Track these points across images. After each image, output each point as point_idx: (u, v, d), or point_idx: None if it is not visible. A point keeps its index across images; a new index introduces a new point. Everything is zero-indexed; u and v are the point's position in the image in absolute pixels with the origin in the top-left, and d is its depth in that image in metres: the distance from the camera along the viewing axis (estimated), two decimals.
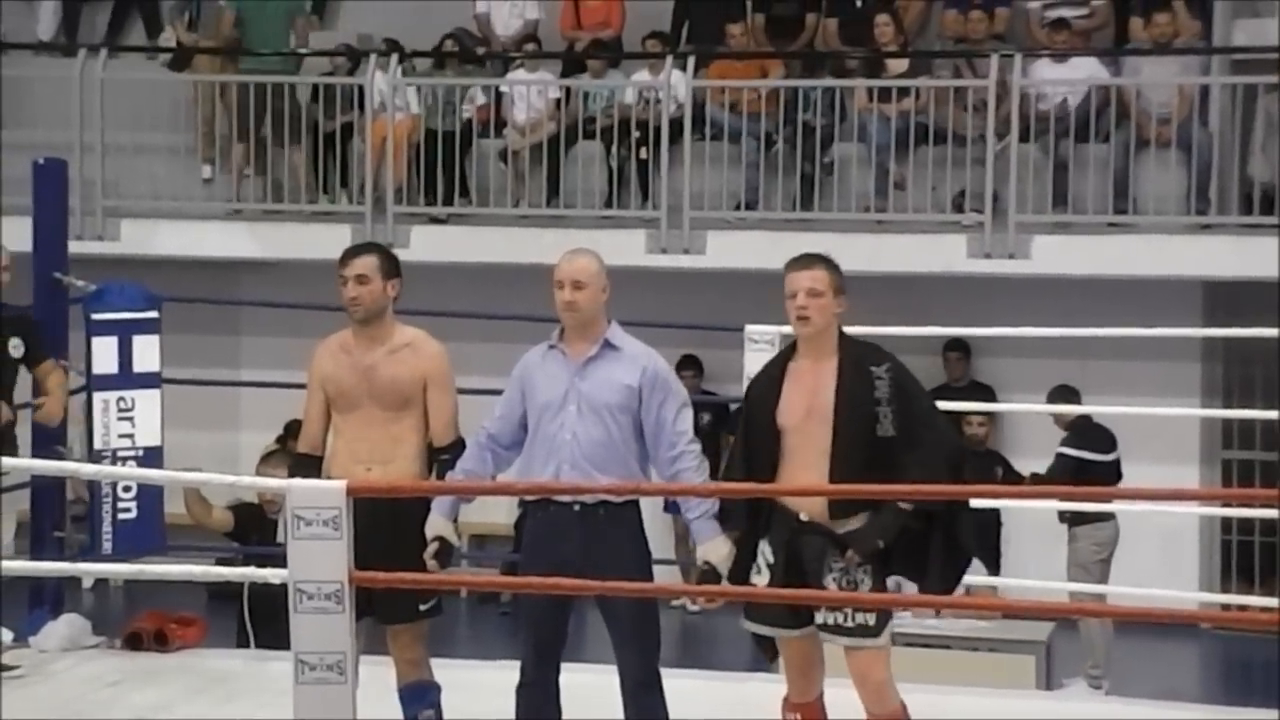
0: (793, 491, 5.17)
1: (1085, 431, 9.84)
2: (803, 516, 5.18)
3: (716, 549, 5.31)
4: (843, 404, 5.15)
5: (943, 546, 5.20)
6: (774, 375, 5.32)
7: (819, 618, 5.19)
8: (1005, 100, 11.02)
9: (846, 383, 5.17)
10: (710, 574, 5.30)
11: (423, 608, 5.63)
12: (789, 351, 5.36)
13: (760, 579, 5.26)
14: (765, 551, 5.26)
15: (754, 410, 5.33)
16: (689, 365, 11.92)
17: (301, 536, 4.66)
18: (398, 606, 5.56)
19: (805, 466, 5.16)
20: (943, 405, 9.37)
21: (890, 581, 5.44)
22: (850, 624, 5.14)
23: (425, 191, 11.78)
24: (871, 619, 5.14)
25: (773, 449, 5.21)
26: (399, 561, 5.26)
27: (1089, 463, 9.73)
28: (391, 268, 5.70)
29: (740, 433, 5.40)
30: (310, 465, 5.72)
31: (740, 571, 5.29)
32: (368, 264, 5.66)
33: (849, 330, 5.35)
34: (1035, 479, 10.14)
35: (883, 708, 5.20)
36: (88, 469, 6.28)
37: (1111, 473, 9.81)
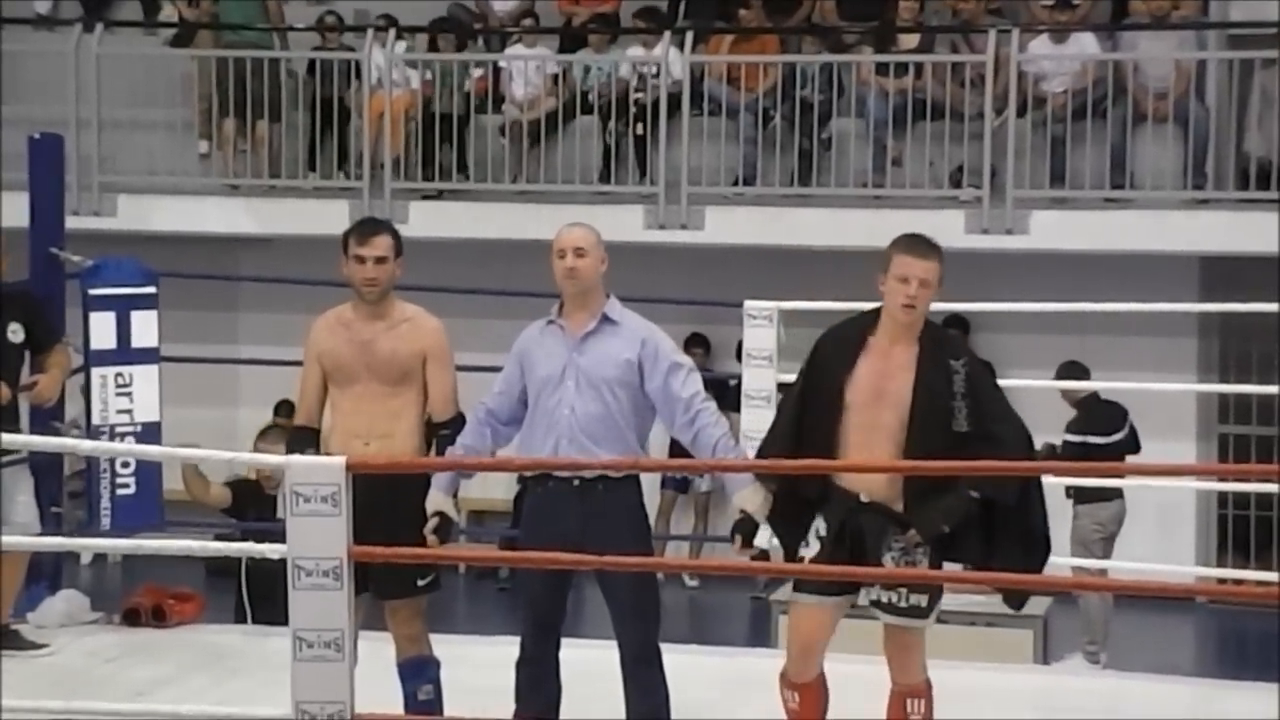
0: (850, 468, 5.05)
1: (1089, 413, 9.84)
2: (863, 498, 5.08)
3: (751, 497, 5.23)
4: (921, 395, 5.03)
5: (1012, 534, 5.12)
6: (850, 344, 5.15)
7: (871, 594, 5.10)
8: (1003, 76, 11.01)
9: (925, 374, 5.06)
10: (746, 522, 5.23)
11: (420, 583, 5.63)
12: (869, 322, 5.19)
13: (808, 552, 5.15)
14: (819, 527, 5.15)
15: (819, 374, 5.16)
16: (697, 343, 11.93)
17: (300, 513, 4.66)
18: (395, 582, 5.56)
19: (867, 448, 5.04)
20: None
21: None
22: (904, 604, 5.08)
23: (423, 167, 11.77)
24: (924, 600, 5.08)
25: (831, 422, 5.07)
26: (398, 537, 5.25)
27: (1092, 447, 9.74)
28: (400, 246, 5.73)
29: (795, 393, 5.23)
30: (307, 437, 5.72)
31: (791, 545, 5.21)
32: (386, 244, 5.66)
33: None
34: (1049, 448, 10.15)
35: (910, 679, 5.19)
36: (85, 445, 6.27)
37: (1118, 453, 9.81)
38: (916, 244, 5.14)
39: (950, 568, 5.28)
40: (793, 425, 5.18)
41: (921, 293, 5.08)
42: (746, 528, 5.24)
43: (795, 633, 5.27)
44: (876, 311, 5.20)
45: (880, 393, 5.07)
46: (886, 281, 5.12)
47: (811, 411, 5.14)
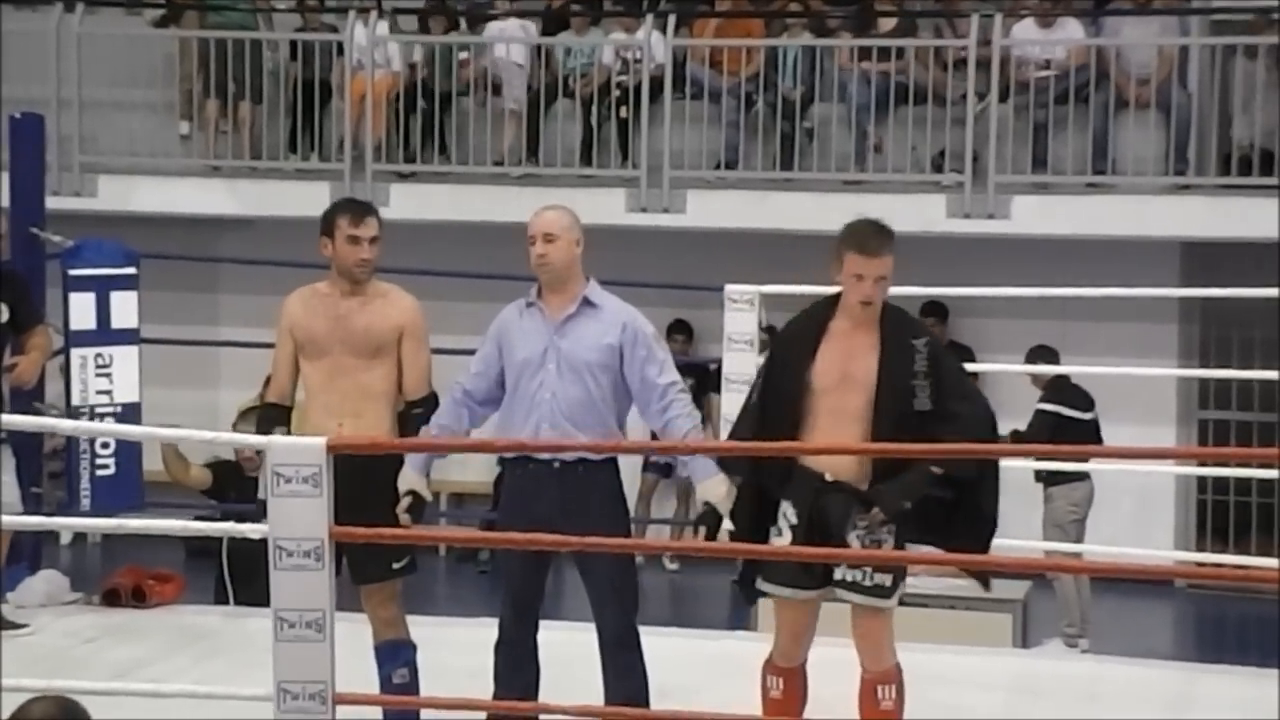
0: (820, 450, 5.09)
1: (1062, 389, 9.87)
2: (828, 477, 5.12)
3: (715, 488, 5.27)
4: (885, 376, 5.07)
5: (966, 514, 5.17)
6: (811, 333, 5.19)
7: (837, 573, 5.12)
8: (986, 60, 11.01)
9: (889, 355, 5.09)
10: (710, 514, 5.27)
11: (395, 566, 5.56)
12: (828, 309, 5.22)
13: (781, 540, 5.17)
14: (788, 513, 5.17)
15: (781, 364, 5.20)
16: (679, 330, 11.93)
17: (281, 494, 4.64)
18: (370, 565, 5.49)
19: (835, 431, 5.07)
20: None
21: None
22: (868, 583, 5.11)
23: (404, 148, 11.75)
24: (888, 580, 5.11)
25: (796, 407, 5.11)
26: (372, 518, 5.13)
27: (1067, 420, 9.76)
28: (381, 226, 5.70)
29: (759, 384, 5.28)
30: (279, 414, 5.68)
31: (759, 532, 5.21)
32: (377, 224, 5.61)
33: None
34: (1015, 436, 10.17)
35: (879, 664, 5.20)
36: (65, 424, 6.26)
37: (1089, 432, 9.84)
38: (869, 241, 5.14)
39: (913, 548, 5.33)
40: (758, 412, 5.22)
41: (879, 285, 5.11)
42: (710, 520, 5.29)
43: (783, 623, 5.30)
44: (835, 297, 5.23)
45: (845, 376, 5.11)
46: (841, 275, 5.15)
47: (776, 399, 5.18)
